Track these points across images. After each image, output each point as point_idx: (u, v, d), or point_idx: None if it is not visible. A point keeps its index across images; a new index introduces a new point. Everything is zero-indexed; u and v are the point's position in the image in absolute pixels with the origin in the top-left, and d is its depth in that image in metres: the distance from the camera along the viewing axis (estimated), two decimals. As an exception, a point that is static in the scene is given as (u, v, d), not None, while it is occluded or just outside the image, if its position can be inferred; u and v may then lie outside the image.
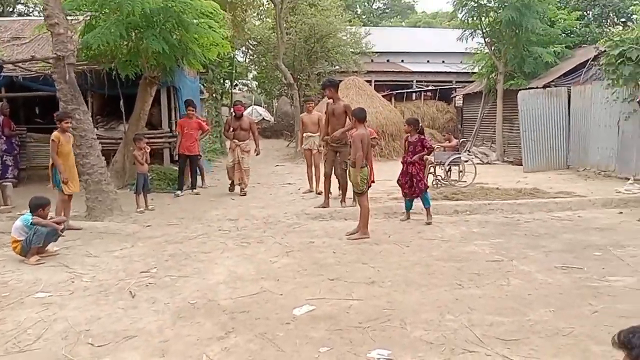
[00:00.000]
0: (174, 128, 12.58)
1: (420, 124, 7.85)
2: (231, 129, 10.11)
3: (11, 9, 22.75)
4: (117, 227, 7.33)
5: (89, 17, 10.05)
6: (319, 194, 9.52)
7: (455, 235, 6.67)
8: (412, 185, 7.44)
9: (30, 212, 5.71)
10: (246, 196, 9.87)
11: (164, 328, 3.84)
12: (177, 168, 11.79)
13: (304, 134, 10.42)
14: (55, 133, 7.09)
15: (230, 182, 10.29)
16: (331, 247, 6.14)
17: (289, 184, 11.62)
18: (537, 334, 3.59)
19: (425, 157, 7.83)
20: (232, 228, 7.24)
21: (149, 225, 7.45)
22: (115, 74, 10.34)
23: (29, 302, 4.41)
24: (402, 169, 7.61)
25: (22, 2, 21.58)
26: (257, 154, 10.33)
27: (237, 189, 10.26)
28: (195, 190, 10.23)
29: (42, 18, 8.48)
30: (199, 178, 10.90)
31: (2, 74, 10.20)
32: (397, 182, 7.73)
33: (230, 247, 6.26)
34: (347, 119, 7.99)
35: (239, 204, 9.13)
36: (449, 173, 11.18)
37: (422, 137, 7.60)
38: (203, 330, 3.79)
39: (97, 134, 8.62)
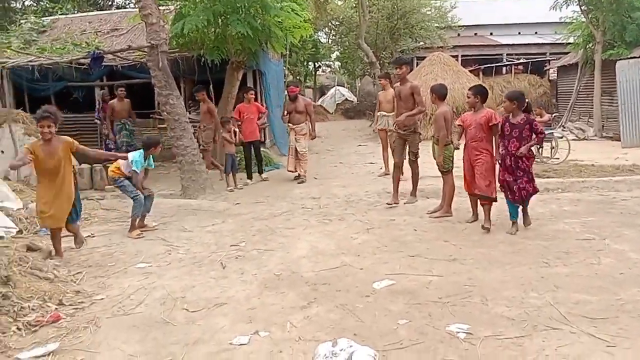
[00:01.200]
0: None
1: (527, 100, 5.90)
2: (286, 112, 9.61)
3: (110, 2, 24.34)
4: (209, 204, 7.77)
5: (179, 7, 10.59)
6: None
7: (545, 213, 6.41)
8: (517, 187, 5.62)
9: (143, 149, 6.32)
10: (304, 182, 9.37)
11: (251, 297, 4.08)
12: (263, 149, 12.24)
13: (378, 113, 9.85)
14: (32, 142, 5.32)
15: (290, 170, 9.71)
16: (412, 225, 6.14)
17: (371, 163, 11.65)
18: (628, 313, 3.43)
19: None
20: (314, 206, 7.44)
21: (238, 203, 7.84)
22: (204, 60, 10.84)
23: (132, 272, 4.85)
24: (506, 162, 5.69)
25: (119, -5, 23.06)
26: (312, 138, 9.85)
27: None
28: (264, 176, 9.92)
29: (137, 9, 9.05)
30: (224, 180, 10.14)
31: (103, 63, 11.01)
32: (500, 182, 5.82)
33: (312, 223, 6.45)
34: (415, 102, 6.99)
35: (320, 183, 9.32)
36: (540, 150, 10.67)
37: (531, 117, 5.69)
38: (287, 299, 3.99)
39: (189, 118, 9.16)
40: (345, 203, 7.61)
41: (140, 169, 6.23)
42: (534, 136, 5.57)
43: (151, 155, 6.38)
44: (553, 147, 10.80)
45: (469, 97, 6.17)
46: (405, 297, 3.94)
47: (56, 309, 3.96)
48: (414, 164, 7.31)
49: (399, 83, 7.30)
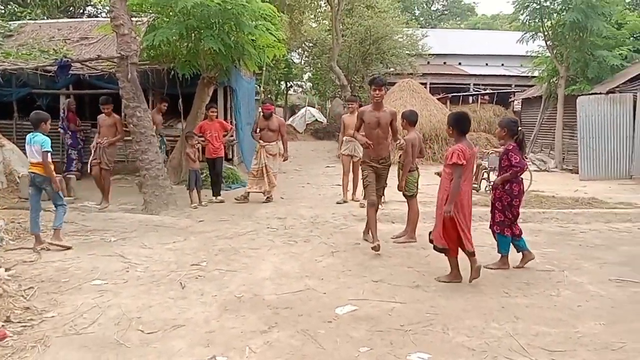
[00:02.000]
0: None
1: (518, 127, 5.46)
2: (259, 129, 9.20)
3: (81, 11, 23.95)
4: (171, 221, 7.60)
5: (152, 19, 10.50)
6: (359, 203, 8.75)
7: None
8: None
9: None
10: (271, 201, 9.10)
11: (211, 319, 3.97)
12: (230, 166, 12.14)
13: (344, 138, 9.35)
14: None
15: (245, 192, 9.26)
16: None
17: (338, 185, 11.58)
18: (585, 346, 3.47)
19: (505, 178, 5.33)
20: (280, 226, 7.37)
21: (201, 221, 7.69)
22: (175, 74, 10.73)
23: (86, 289, 4.67)
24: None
25: (91, 4, 22.65)
26: (284, 160, 9.40)
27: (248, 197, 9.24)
28: (220, 198, 9.27)
29: (109, 19, 8.91)
30: (187, 196, 9.15)
31: (71, 72, 10.77)
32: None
33: (277, 244, 6.37)
34: (391, 130, 6.38)
35: (287, 203, 9.25)
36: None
37: (511, 146, 5.32)
38: (247, 323, 3.90)
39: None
40: (312, 224, 7.57)
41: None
42: (510, 170, 5.25)
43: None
44: None
45: (497, 131, 5.69)
46: (368, 323, 3.90)
47: (2, 326, 3.77)
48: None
49: (371, 107, 6.32)
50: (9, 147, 10.18)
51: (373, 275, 5.13)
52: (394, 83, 19.45)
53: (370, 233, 6.15)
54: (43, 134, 5.97)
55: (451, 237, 4.88)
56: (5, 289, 4.47)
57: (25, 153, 10.28)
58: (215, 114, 9.54)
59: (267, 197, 9.20)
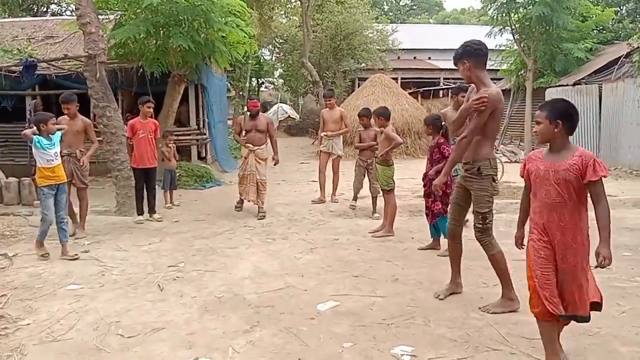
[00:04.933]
0: (202, 126, 12.81)
1: (442, 122, 5.86)
2: (243, 131, 7.97)
3: (45, 9, 23.32)
4: (146, 222, 7.48)
5: (119, 17, 10.28)
6: (335, 201, 8.90)
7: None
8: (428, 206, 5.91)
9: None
10: (265, 218, 7.73)
11: (191, 321, 3.92)
12: (204, 165, 12.02)
13: (322, 134, 9.08)
14: None
15: (238, 199, 8.17)
16: (355, 245, 6.16)
17: (314, 181, 11.61)
18: (563, 333, 3.54)
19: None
20: (257, 224, 7.33)
21: (176, 221, 7.60)
22: (144, 72, 10.54)
23: (62, 294, 4.56)
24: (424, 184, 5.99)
25: (55, 1, 22.10)
26: (275, 163, 8.18)
27: (243, 206, 8.27)
28: (156, 216, 7.70)
29: (75, 17, 8.69)
30: (161, 196, 8.63)
31: (37, 72, 10.48)
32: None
33: (255, 243, 6.34)
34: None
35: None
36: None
37: (442, 140, 5.77)
38: (229, 323, 3.86)
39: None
40: (289, 222, 7.55)
41: (45, 146, 5.57)
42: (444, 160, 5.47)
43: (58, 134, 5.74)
44: None
45: (424, 128, 6.10)
46: (350, 318, 3.91)
47: (-25, 336, 3.65)
48: (377, 189, 7.48)
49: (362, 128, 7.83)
50: (-27, 151, 9.86)
51: (353, 270, 5.14)
52: (366, 78, 19.57)
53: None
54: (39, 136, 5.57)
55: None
56: (-24, 297, 4.34)
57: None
58: (151, 110, 7.83)
59: (260, 213, 7.87)
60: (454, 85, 23.40)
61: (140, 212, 7.64)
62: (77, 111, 6.86)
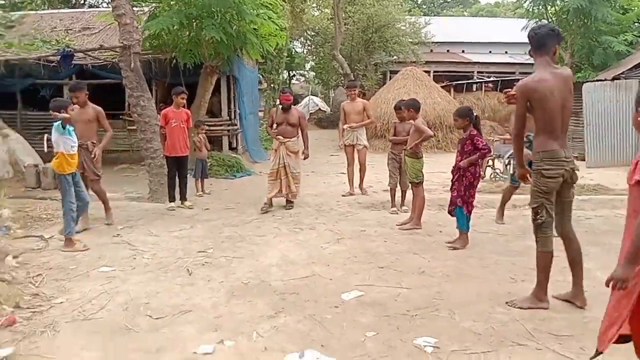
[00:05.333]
0: (233, 117, 12.96)
1: (474, 115, 5.77)
2: (275, 124, 7.83)
3: (82, 1, 23.88)
4: (178, 209, 7.63)
5: (153, 8, 10.46)
6: (365, 194, 8.83)
7: (512, 229, 6.51)
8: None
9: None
10: (292, 209, 7.71)
11: (218, 305, 4.00)
12: (235, 155, 12.16)
13: (345, 127, 8.81)
14: None
15: (267, 199, 7.74)
16: (382, 236, 6.15)
17: (343, 173, 11.62)
18: (592, 331, 3.45)
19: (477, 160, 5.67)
20: (285, 214, 7.38)
21: (207, 209, 7.73)
22: (177, 63, 10.71)
23: (94, 275, 4.70)
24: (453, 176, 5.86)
25: (92, -6, 22.64)
26: (304, 158, 8.00)
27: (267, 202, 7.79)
28: (187, 203, 7.88)
29: (110, 9, 8.88)
30: (193, 185, 8.80)
31: (73, 62, 10.76)
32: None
33: (283, 232, 6.39)
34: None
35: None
36: (508, 167, 10.84)
37: (474, 132, 5.68)
38: (255, 309, 3.92)
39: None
40: (317, 212, 7.58)
41: (70, 131, 5.66)
42: (477, 152, 5.58)
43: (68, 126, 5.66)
44: (507, 164, 10.86)
45: (455, 121, 5.89)
46: (374, 309, 3.92)
47: (12, 311, 3.80)
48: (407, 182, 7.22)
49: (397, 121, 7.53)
50: (13, 137, 10.22)
51: (379, 261, 5.14)
52: (397, 71, 19.40)
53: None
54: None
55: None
56: (14, 276, 4.52)
57: (30, 143, 10.39)
58: (185, 101, 8.07)
59: (289, 202, 7.86)
60: (487, 79, 22.93)
61: (172, 199, 7.82)
62: (88, 99, 6.65)
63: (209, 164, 9.77)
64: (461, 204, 5.66)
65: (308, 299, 4.12)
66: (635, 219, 2.39)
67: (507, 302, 4.01)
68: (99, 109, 6.66)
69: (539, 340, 3.37)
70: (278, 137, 7.72)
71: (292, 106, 7.92)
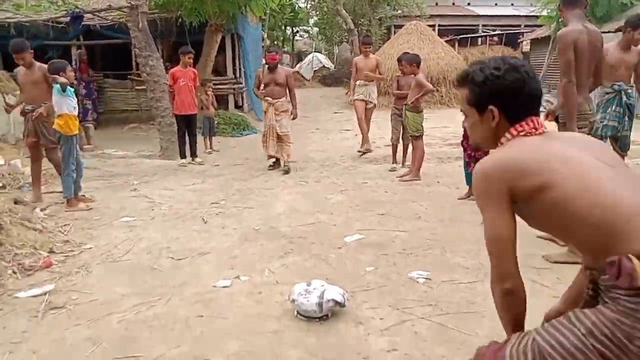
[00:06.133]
0: (238, 75, 13.16)
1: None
2: (262, 85, 7.69)
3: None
4: (188, 165, 8.02)
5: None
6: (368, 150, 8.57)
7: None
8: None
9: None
10: (289, 172, 7.48)
11: (233, 248, 4.42)
12: (241, 114, 12.44)
13: (357, 82, 8.59)
14: None
15: (268, 158, 7.82)
16: (383, 188, 6.52)
17: (347, 130, 11.95)
18: (570, 266, 3.86)
19: None
20: (291, 169, 7.74)
21: (217, 165, 8.11)
22: (183, 22, 10.86)
23: (117, 225, 5.12)
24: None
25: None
26: (293, 118, 7.80)
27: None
28: (198, 160, 8.21)
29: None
30: (202, 142, 9.05)
31: (81, 22, 10.93)
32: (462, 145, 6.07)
33: (289, 185, 6.77)
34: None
35: (297, 148, 9.54)
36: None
37: None
38: (266, 250, 4.34)
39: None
40: (321, 167, 7.94)
41: (71, 92, 5.50)
42: None
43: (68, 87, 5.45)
44: None
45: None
46: (374, 249, 4.32)
47: (47, 256, 4.23)
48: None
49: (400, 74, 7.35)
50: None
51: (379, 209, 5.52)
52: (402, 26, 19.31)
53: None
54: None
55: None
56: (45, 225, 4.93)
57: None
58: (191, 60, 8.26)
59: (285, 167, 7.65)
60: (492, 33, 22.65)
61: (183, 156, 8.20)
62: (34, 59, 5.83)
63: (215, 122, 10.08)
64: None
65: (314, 242, 4.52)
66: None
67: (543, 256, 4.04)
68: (45, 67, 5.66)
69: (521, 272, 3.75)
70: (266, 98, 7.63)
71: (279, 65, 7.77)
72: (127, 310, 3.32)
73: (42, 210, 5.46)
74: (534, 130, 1.65)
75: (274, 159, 7.82)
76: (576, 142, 1.63)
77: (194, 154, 8.25)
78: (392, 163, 7.73)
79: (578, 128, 4.00)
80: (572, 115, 4.00)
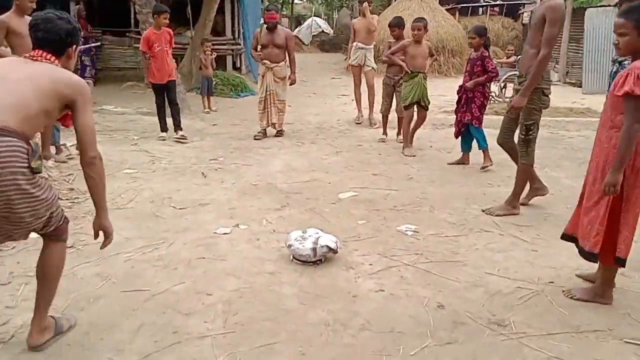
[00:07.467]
0: (237, 36, 13.15)
1: (487, 35, 5.82)
2: (259, 46, 7.15)
3: None
4: (187, 123, 8.11)
5: None
6: (374, 124, 8.19)
7: (497, 145, 7.02)
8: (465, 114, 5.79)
9: None
10: (282, 136, 7.45)
11: (232, 200, 4.64)
12: (239, 75, 12.49)
13: (354, 44, 8.24)
14: None
15: (260, 128, 7.37)
16: (377, 150, 6.72)
17: (343, 95, 12.05)
18: (549, 222, 4.12)
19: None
20: (288, 130, 7.90)
21: (215, 124, 8.26)
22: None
23: (120, 176, 5.32)
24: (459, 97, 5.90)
25: None
26: (292, 83, 7.39)
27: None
28: (182, 133, 7.02)
29: None
30: (200, 101, 9.08)
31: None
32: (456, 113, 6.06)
33: (286, 145, 6.96)
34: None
35: (294, 111, 9.69)
36: (503, 90, 11.23)
37: (486, 53, 5.69)
38: (263, 203, 4.56)
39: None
40: (317, 129, 8.11)
41: None
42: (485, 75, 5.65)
43: None
44: (503, 88, 11.20)
45: (472, 39, 5.78)
46: (366, 205, 4.55)
47: (55, 202, 4.41)
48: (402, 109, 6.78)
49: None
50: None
51: (373, 169, 5.74)
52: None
53: None
54: None
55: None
56: (50, 174, 5.11)
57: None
58: (167, 21, 6.92)
59: (278, 131, 7.50)
60: (493, 3, 22.52)
61: (163, 129, 7.12)
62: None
63: (214, 82, 10.16)
64: (478, 125, 5.75)
65: (309, 197, 4.74)
66: (607, 129, 2.73)
67: (483, 210, 4.40)
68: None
69: (503, 228, 4.01)
70: (264, 61, 7.13)
71: (279, 25, 7.26)
72: (132, 251, 3.54)
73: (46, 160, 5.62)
74: None
75: (263, 132, 7.37)
76: None
77: (177, 126, 7.02)
78: (382, 134, 7.38)
79: (549, 95, 4.33)
80: (533, 87, 4.12)
